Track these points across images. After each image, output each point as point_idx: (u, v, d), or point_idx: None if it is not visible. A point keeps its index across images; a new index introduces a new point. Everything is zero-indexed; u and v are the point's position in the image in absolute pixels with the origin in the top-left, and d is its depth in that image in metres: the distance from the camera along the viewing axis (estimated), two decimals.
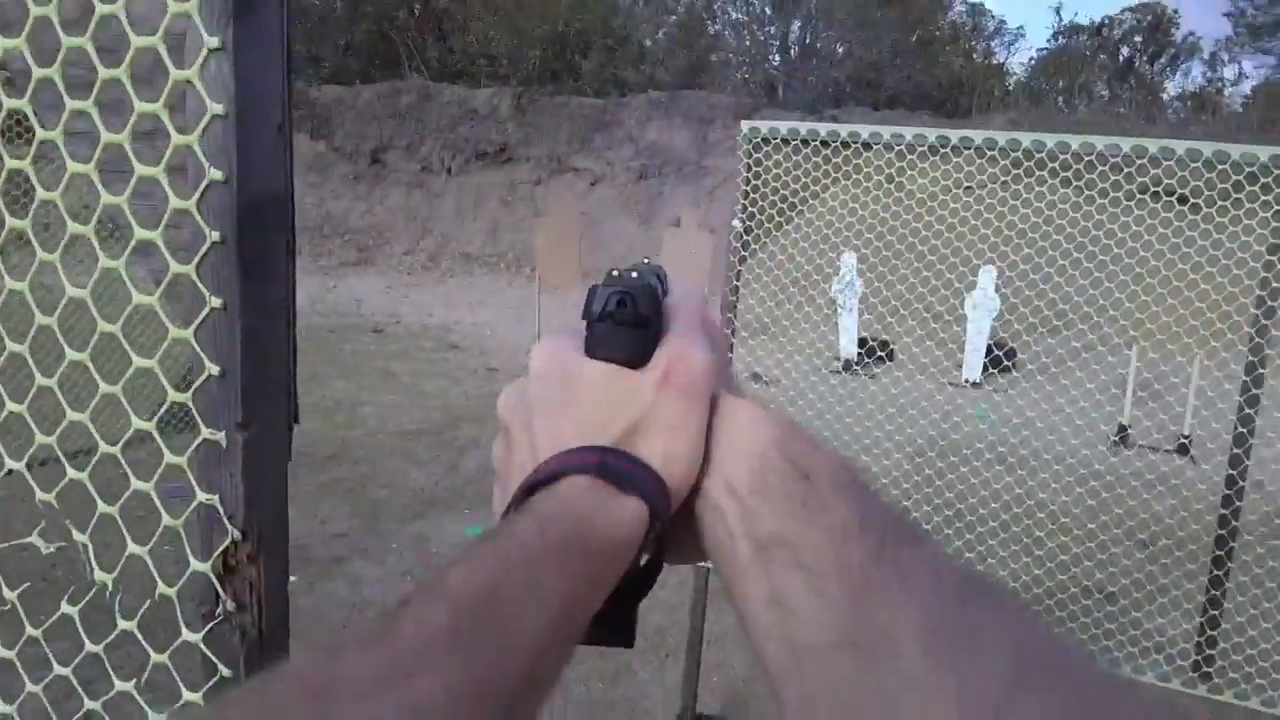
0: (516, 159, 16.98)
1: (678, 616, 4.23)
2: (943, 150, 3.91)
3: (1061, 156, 3.72)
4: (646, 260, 0.59)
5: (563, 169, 16.71)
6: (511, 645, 0.37)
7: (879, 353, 8.54)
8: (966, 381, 9.68)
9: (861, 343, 9.69)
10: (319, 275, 15.22)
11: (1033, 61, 23.80)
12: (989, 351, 9.48)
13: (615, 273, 0.52)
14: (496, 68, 19.53)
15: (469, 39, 20.15)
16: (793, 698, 0.38)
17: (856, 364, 9.47)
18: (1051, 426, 5.40)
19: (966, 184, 5.97)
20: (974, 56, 22.55)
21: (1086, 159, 3.27)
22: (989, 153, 4.07)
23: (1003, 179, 5.34)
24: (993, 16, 23.29)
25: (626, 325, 0.49)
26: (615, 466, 0.45)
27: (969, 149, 4.07)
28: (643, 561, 0.47)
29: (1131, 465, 6.75)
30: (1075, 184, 3.54)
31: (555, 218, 11.30)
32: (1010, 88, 22.00)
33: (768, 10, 21.49)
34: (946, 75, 20.35)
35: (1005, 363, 8.94)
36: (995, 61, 23.09)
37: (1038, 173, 4.01)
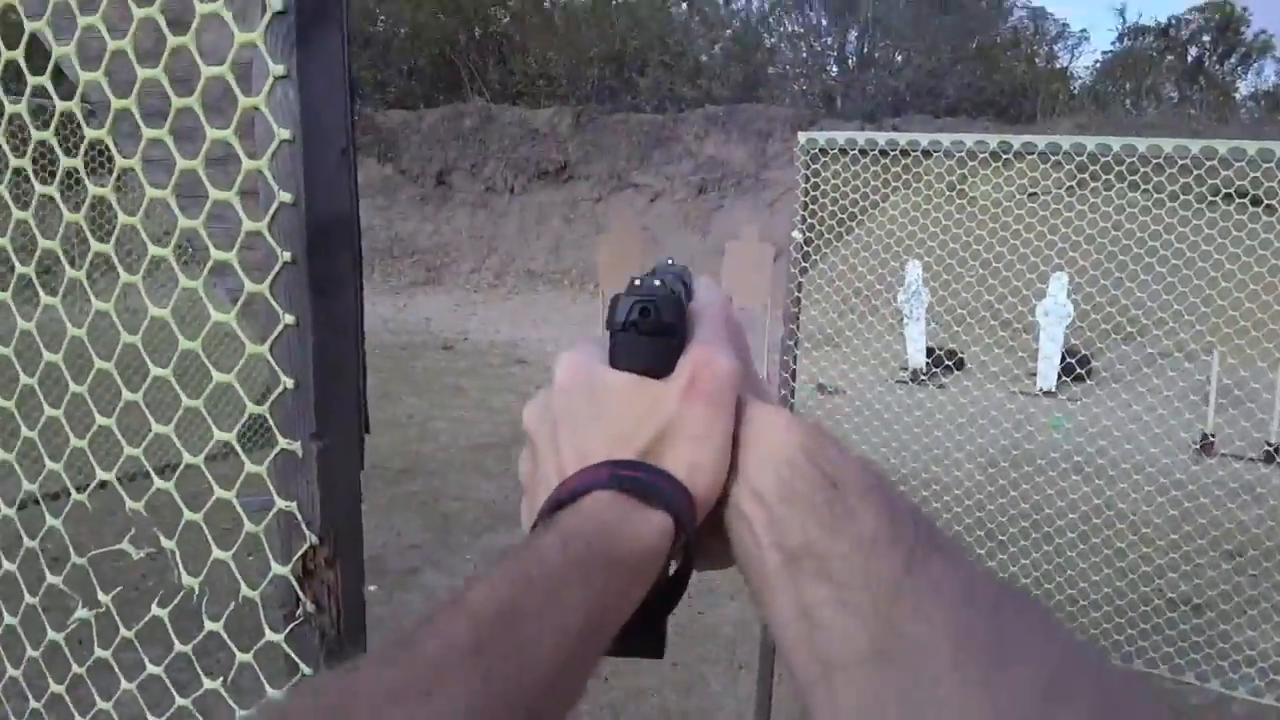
0: (577, 177, 17.16)
1: (750, 629, 4.22)
2: (1005, 156, 3.85)
3: (1129, 160, 3.63)
4: (670, 260, 0.57)
5: (623, 185, 16.83)
6: (531, 661, 0.37)
7: (947, 362, 8.40)
8: (1040, 391, 9.47)
9: (929, 352, 9.54)
10: (390, 295, 15.56)
11: (1098, 65, 23.16)
12: (1062, 360, 9.26)
13: (637, 280, 0.50)
14: (555, 88, 19.77)
15: (528, 60, 20.44)
16: (822, 710, 0.39)
17: (925, 374, 9.33)
18: (1129, 435, 5.25)
19: (1031, 190, 5.86)
20: (1036, 61, 22.07)
21: (1154, 161, 3.19)
22: (1053, 158, 3.99)
23: (1068, 184, 5.24)
24: (1055, 20, 22.70)
25: (649, 334, 0.48)
26: (640, 480, 0.45)
27: (1031, 154, 3.99)
28: (671, 571, 0.47)
29: (1215, 474, 6.52)
30: (1144, 188, 3.46)
31: (618, 233, 11.40)
32: (1075, 92, 21.48)
33: (824, 21, 21.38)
34: (1009, 81, 19.96)
35: (1079, 371, 8.72)
36: (1059, 65, 22.56)
37: (1104, 177, 3.92)
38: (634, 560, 0.43)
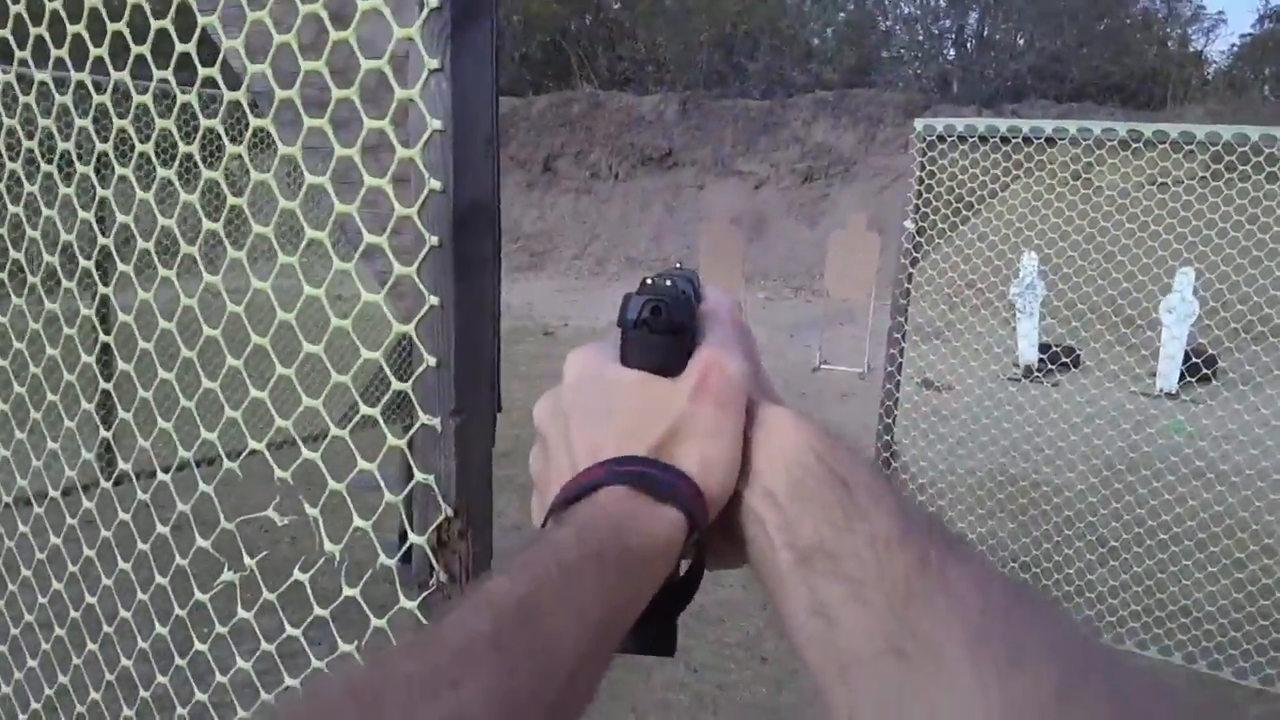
0: (681, 163, 17.16)
1: None
2: (1134, 145, 3.69)
3: (1267, 150, 3.46)
4: (679, 265, 0.59)
5: (727, 172, 16.76)
6: (552, 653, 0.37)
7: (1063, 359, 8.11)
8: (1161, 392, 9.05)
9: (1044, 348, 9.22)
10: None
11: (1235, 48, 21.80)
12: (1186, 359, 8.83)
13: (649, 280, 0.51)
14: (664, 74, 19.78)
15: (637, 46, 20.49)
16: (839, 705, 0.39)
17: (1038, 371, 9.02)
18: (1256, 440, 4.98)
19: (1160, 180, 5.60)
20: (1169, 44, 20.93)
21: None
22: (1185, 147, 3.81)
23: (1201, 175, 4.99)
24: (1190, 1, 21.43)
25: (660, 333, 0.49)
26: (652, 476, 0.45)
27: (1163, 143, 3.82)
28: (682, 570, 0.47)
29: None
30: None
31: (719, 225, 11.45)
32: (1210, 77, 20.34)
33: (943, 2, 20.79)
34: (1138, 65, 19.02)
35: (1205, 371, 8.30)
36: (1192, 49, 21.33)
37: (1240, 168, 3.73)
38: (647, 555, 0.43)
